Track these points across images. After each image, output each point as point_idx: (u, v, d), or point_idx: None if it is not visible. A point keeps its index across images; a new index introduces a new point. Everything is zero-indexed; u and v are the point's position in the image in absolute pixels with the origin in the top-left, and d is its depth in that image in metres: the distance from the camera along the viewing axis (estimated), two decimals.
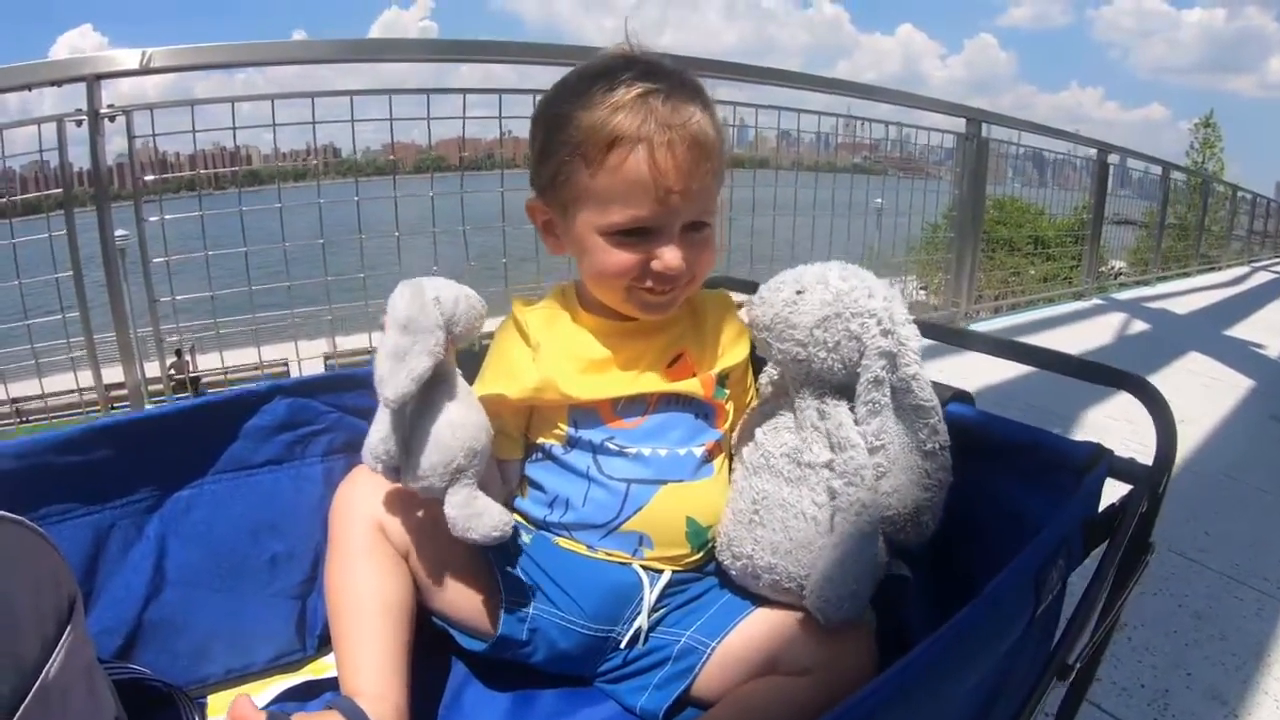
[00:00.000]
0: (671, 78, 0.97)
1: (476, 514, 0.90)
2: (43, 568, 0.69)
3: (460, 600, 1.01)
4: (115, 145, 2.60)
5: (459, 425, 0.92)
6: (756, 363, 1.15)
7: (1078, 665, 0.81)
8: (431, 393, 0.92)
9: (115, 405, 2.80)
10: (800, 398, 1.00)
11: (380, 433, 0.93)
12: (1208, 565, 1.90)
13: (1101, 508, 0.87)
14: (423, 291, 0.93)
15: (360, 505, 0.99)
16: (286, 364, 3.30)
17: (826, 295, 0.97)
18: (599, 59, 1.02)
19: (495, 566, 1.00)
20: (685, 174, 0.94)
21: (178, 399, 2.92)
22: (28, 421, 2.98)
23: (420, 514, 1.00)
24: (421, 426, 0.92)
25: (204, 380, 3.25)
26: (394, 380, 0.88)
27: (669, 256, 0.97)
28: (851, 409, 0.97)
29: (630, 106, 0.94)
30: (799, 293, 0.99)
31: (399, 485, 0.97)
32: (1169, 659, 1.54)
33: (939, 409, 0.95)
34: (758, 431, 1.04)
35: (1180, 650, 1.58)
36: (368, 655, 0.91)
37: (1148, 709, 1.40)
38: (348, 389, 1.10)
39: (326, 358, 3.36)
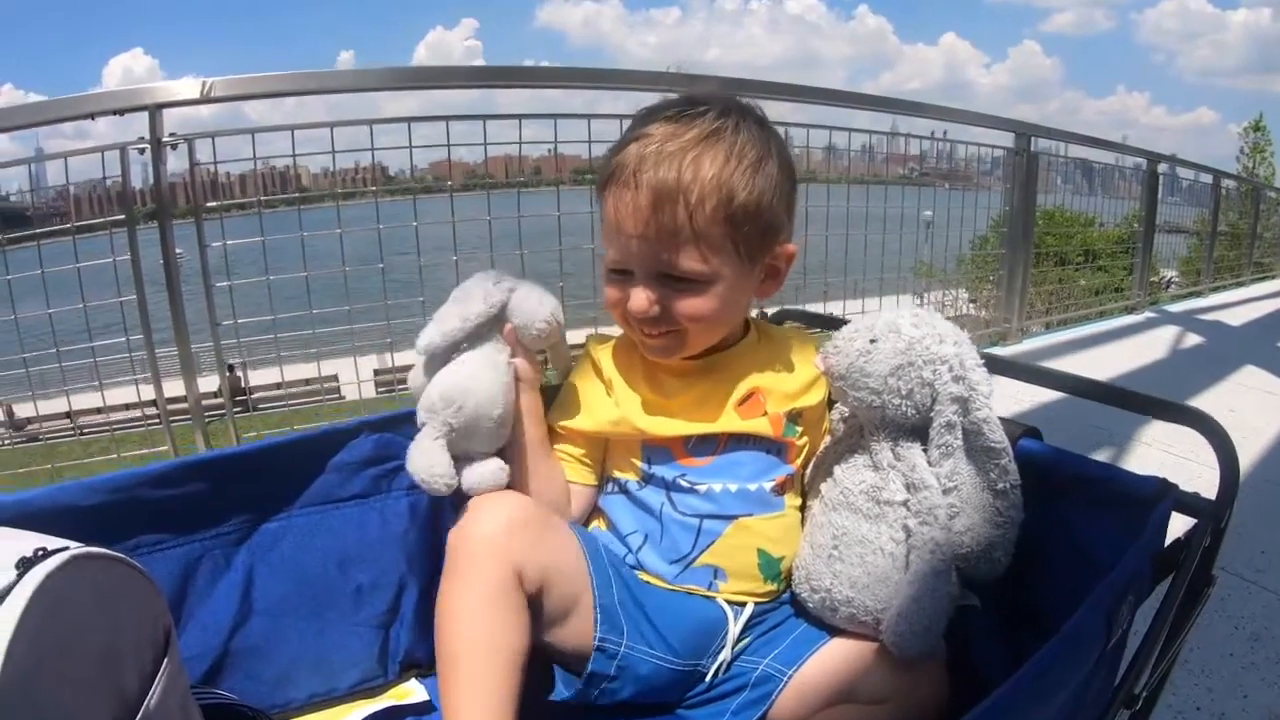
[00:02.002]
0: (686, 122, 0.98)
1: (422, 452, 0.97)
2: (141, 601, 0.72)
3: (563, 631, 0.99)
4: (170, 165, 2.64)
5: (468, 387, 0.99)
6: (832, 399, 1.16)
7: (1143, 695, 0.82)
8: (453, 355, 1.02)
9: (174, 418, 2.85)
10: (875, 440, 1.03)
11: (418, 377, 1.03)
12: (1264, 585, 1.88)
13: (1166, 540, 0.88)
14: (489, 280, 1.03)
15: (498, 544, 0.94)
16: (337, 379, 3.33)
17: (899, 344, 0.99)
18: (664, 100, 1.04)
19: (597, 596, 1.00)
20: (641, 221, 0.95)
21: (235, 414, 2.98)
22: (85, 434, 3.04)
23: (556, 552, 0.99)
24: (440, 370, 1.01)
25: (255, 396, 3.30)
26: (425, 333, 1.00)
27: (631, 299, 0.99)
28: (924, 450, 1.00)
29: (626, 149, 0.97)
30: (872, 341, 1.01)
31: (531, 519, 0.98)
32: (1225, 682, 1.53)
33: (1009, 449, 0.97)
34: (836, 469, 1.07)
35: (1236, 673, 1.56)
36: (481, 706, 0.87)
37: None
38: None
39: (377, 373, 3.40)
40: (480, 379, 1.00)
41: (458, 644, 0.91)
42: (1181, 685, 1.50)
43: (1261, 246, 9.17)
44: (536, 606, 0.96)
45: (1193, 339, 4.79)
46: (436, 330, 1.00)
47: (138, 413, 2.88)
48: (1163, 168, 6.20)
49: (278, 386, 3.09)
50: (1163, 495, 0.89)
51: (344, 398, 3.47)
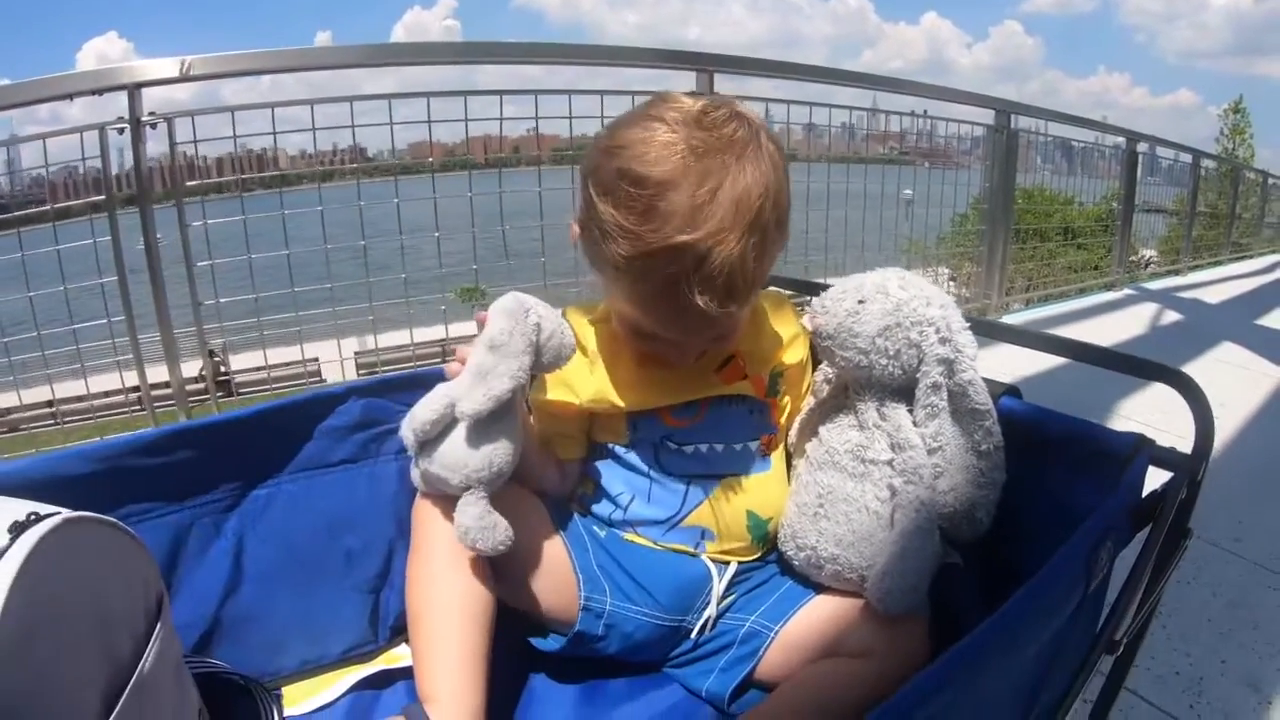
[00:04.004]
0: (710, 191, 0.86)
1: (489, 527, 0.92)
2: (133, 567, 0.72)
3: (542, 596, 1.02)
4: (148, 149, 2.65)
5: (500, 443, 0.95)
6: (815, 359, 1.17)
7: (1124, 641, 0.83)
8: (495, 414, 0.94)
9: (158, 404, 2.84)
10: (860, 400, 1.04)
11: (432, 415, 0.93)
12: (1241, 554, 1.90)
13: (1145, 495, 0.89)
14: (522, 314, 0.94)
15: (450, 507, 0.96)
16: (318, 361, 3.32)
17: (887, 305, 1.00)
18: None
19: (575, 561, 1.03)
20: (707, 325, 0.91)
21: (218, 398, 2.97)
22: (66, 423, 3.03)
23: (518, 510, 0.99)
24: (473, 431, 0.94)
25: (237, 380, 3.29)
26: (472, 397, 0.91)
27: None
28: (909, 411, 1.01)
29: (673, 230, 0.86)
30: (860, 302, 1.01)
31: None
32: (1204, 647, 1.55)
33: (993, 412, 0.98)
34: (821, 429, 1.08)
35: (1215, 638, 1.58)
36: (447, 662, 0.90)
37: (1183, 695, 1.41)
38: (421, 388, 1.05)
39: (358, 354, 3.39)
40: (510, 434, 0.96)
41: (420, 602, 0.95)
42: (1161, 650, 1.52)
43: (1240, 227, 9.24)
44: (503, 566, 0.99)
45: (1171, 316, 4.82)
46: (483, 393, 0.91)
47: (120, 398, 2.86)
48: (1142, 147, 6.24)
49: (259, 370, 3.09)
50: (1139, 450, 0.91)
51: (325, 380, 3.47)
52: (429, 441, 0.95)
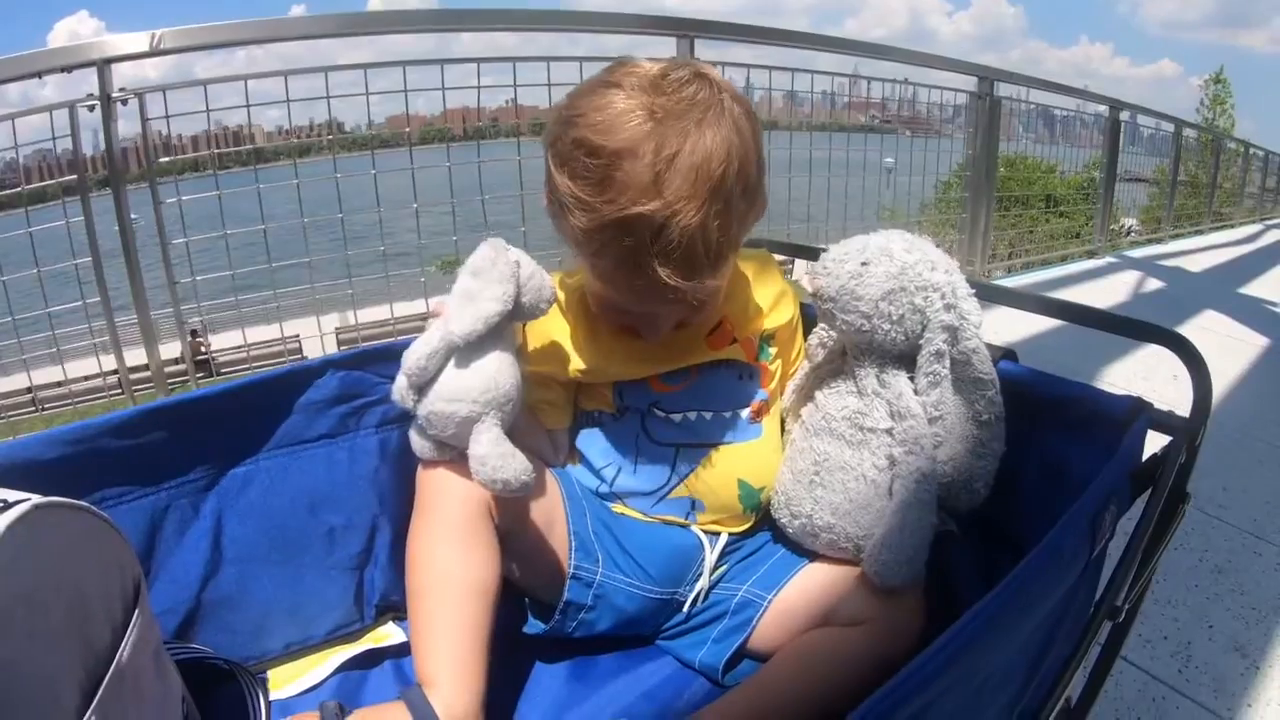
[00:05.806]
0: (678, 144, 0.83)
1: (508, 454, 0.89)
2: (108, 552, 0.69)
3: (539, 561, 0.99)
4: (120, 130, 2.61)
5: (507, 369, 0.93)
6: (807, 322, 1.15)
7: (1125, 607, 0.83)
8: (488, 340, 0.92)
9: (137, 387, 2.81)
10: (860, 365, 1.01)
11: (426, 348, 0.91)
12: (1227, 520, 1.93)
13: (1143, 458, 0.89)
14: (502, 247, 0.93)
15: (465, 479, 0.91)
16: (299, 339, 3.30)
17: (891, 268, 0.96)
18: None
19: (571, 526, 1.00)
20: (671, 291, 0.86)
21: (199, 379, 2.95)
22: (46, 409, 3.00)
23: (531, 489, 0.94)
24: (469, 357, 0.92)
25: (218, 359, 3.26)
26: (461, 318, 0.90)
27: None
28: (910, 379, 0.98)
29: (629, 192, 0.84)
30: (864, 264, 0.97)
31: None
32: (1191, 612, 1.57)
33: (996, 381, 0.96)
34: (818, 394, 1.05)
35: (1202, 603, 1.60)
36: (450, 644, 0.86)
37: (1171, 660, 1.43)
38: (398, 359, 1.00)
39: (339, 330, 3.37)
40: (510, 358, 0.94)
41: (424, 579, 0.90)
42: (1149, 615, 1.53)
43: (1221, 196, 9.29)
44: (508, 538, 0.95)
45: (1153, 283, 4.85)
46: (472, 314, 0.90)
47: (99, 383, 2.83)
48: (1124, 116, 6.26)
49: (239, 349, 3.06)
50: (1138, 413, 0.89)
51: (306, 357, 3.45)
52: (425, 384, 0.92)
